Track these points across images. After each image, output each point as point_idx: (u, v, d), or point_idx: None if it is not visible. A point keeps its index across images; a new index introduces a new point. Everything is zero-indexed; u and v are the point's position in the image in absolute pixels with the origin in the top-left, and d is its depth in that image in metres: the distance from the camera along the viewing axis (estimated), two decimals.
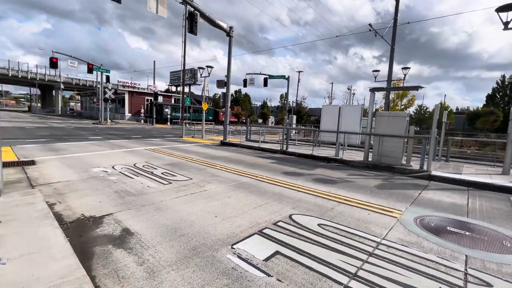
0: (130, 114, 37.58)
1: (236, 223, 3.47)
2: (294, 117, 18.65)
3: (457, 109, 51.60)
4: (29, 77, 49.50)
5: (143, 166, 6.88)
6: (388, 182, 6.50)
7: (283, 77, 23.95)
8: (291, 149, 11.53)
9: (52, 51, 21.63)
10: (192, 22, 11.61)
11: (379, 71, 18.75)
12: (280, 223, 3.52)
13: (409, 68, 19.33)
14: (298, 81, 41.67)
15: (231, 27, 13.79)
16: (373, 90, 9.01)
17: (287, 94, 25.89)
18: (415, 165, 8.10)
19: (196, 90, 52.75)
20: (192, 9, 11.71)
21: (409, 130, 8.23)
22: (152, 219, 3.49)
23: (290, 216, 3.79)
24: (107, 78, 27.94)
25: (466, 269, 2.64)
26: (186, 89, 32.52)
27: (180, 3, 12.53)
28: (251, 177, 6.20)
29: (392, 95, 27.69)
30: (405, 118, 8.03)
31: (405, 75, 19.72)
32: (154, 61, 38.56)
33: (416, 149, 10.99)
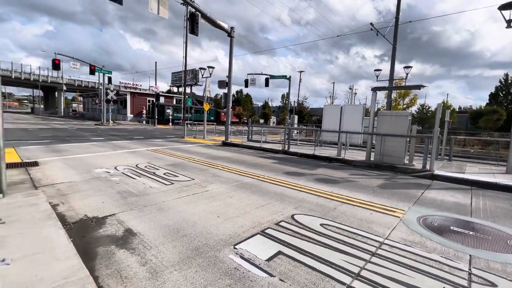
0: (132, 115, 37.73)
1: (238, 223, 3.47)
2: (296, 117, 18.61)
3: (459, 108, 51.35)
4: (31, 79, 49.84)
5: (145, 166, 6.90)
6: (391, 182, 6.47)
7: (284, 77, 23.95)
8: (293, 149, 11.51)
9: (55, 53, 21.78)
10: (193, 23, 11.65)
11: (380, 70, 18.70)
12: (282, 223, 3.52)
13: (411, 67, 19.22)
14: (300, 81, 41.64)
15: (232, 28, 13.80)
16: (375, 89, 8.98)
17: (288, 94, 25.89)
18: (417, 164, 8.06)
19: (197, 90, 52.88)
20: (193, 10, 11.74)
21: (412, 129, 8.20)
22: (155, 219, 3.50)
23: (292, 216, 3.79)
24: (109, 79, 28.07)
25: (470, 269, 2.62)
26: (188, 90, 32.63)
27: (181, 4, 12.57)
28: (253, 177, 6.20)
29: (394, 95, 27.59)
30: (407, 118, 7.99)
31: (407, 74, 19.63)
32: (156, 62, 38.65)
33: (418, 148, 10.94)
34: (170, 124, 33.84)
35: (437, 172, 7.18)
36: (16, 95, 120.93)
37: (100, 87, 29.03)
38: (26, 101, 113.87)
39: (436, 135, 7.28)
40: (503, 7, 7.22)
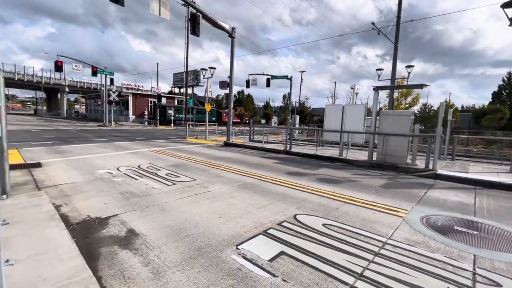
0: (134, 116, 37.87)
1: (241, 224, 3.46)
2: (297, 117, 18.62)
3: (462, 107, 51.05)
4: (34, 81, 50.19)
5: (148, 167, 6.93)
6: (393, 181, 6.44)
7: (285, 77, 23.94)
8: (294, 149, 11.50)
9: (57, 55, 21.96)
10: (195, 23, 11.67)
11: (382, 69, 18.66)
12: (284, 223, 3.51)
13: (413, 66, 19.19)
14: (301, 81, 41.55)
15: (233, 28, 13.82)
16: (376, 89, 8.95)
17: (290, 94, 25.88)
18: (420, 164, 8.02)
19: (199, 91, 53.04)
20: (194, 11, 11.76)
21: (414, 128, 8.16)
22: (157, 220, 3.51)
23: (294, 216, 3.78)
24: (111, 80, 28.20)
25: (474, 269, 2.60)
26: (189, 91, 32.72)
27: (182, 5, 12.60)
28: (255, 178, 6.19)
29: (396, 94, 27.46)
30: (409, 117, 7.95)
31: (409, 73, 19.58)
32: (157, 63, 38.84)
33: (421, 148, 10.89)
34: (172, 125, 33.92)
35: (440, 171, 7.14)
36: (19, 97, 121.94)
37: (102, 89, 29.20)
38: (29, 103, 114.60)
39: (439, 134, 7.23)
40: (505, 5, 7.17)
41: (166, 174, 6.18)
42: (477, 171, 7.58)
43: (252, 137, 15.57)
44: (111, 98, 27.17)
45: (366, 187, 5.71)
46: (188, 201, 4.33)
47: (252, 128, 16.15)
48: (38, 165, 6.57)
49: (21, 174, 5.60)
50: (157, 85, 37.18)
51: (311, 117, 42.69)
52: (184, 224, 3.40)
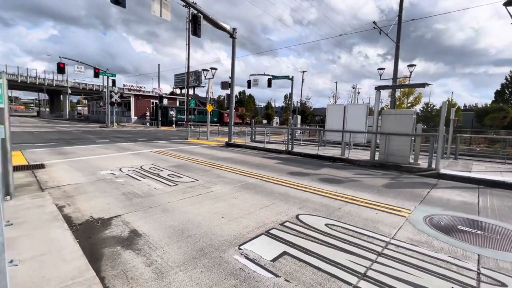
0: (136, 117, 38.01)
1: (243, 224, 3.46)
2: (299, 117, 18.61)
3: (465, 106, 50.69)
4: (37, 83, 50.54)
5: (150, 168, 6.94)
6: (396, 181, 6.41)
7: (287, 77, 23.91)
8: (296, 149, 11.49)
9: (60, 57, 22.05)
10: (196, 24, 11.70)
11: (384, 69, 18.59)
12: (287, 224, 3.51)
13: (415, 65, 19.09)
14: (302, 81, 41.50)
15: (234, 29, 13.84)
16: (378, 88, 8.92)
17: (291, 94, 25.85)
18: (423, 163, 7.98)
19: (200, 92, 53.08)
20: (195, 12, 11.80)
21: (416, 128, 8.12)
22: (160, 220, 3.52)
23: (297, 216, 3.77)
24: (113, 82, 28.31)
25: (478, 269, 2.58)
26: (191, 91, 32.79)
27: (183, 6, 12.65)
28: (256, 178, 6.19)
29: (398, 93, 27.36)
30: (411, 116, 7.92)
31: (410, 72, 19.50)
32: (159, 64, 38.95)
33: (423, 147, 10.83)
34: (174, 125, 34.00)
35: (443, 171, 7.10)
36: (22, 99, 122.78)
37: (104, 90, 29.31)
38: (32, 105, 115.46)
39: (442, 133, 7.20)
40: (508, 3, 7.13)
41: (168, 175, 6.19)
42: (480, 170, 7.53)
43: (253, 137, 15.57)
44: (113, 100, 27.28)
45: (368, 187, 5.69)
46: (190, 201, 4.34)
47: (253, 128, 16.15)
48: (41, 166, 6.61)
49: (25, 176, 5.63)
50: (159, 86, 37.28)
51: (312, 117, 42.65)
52: (186, 224, 3.40)
